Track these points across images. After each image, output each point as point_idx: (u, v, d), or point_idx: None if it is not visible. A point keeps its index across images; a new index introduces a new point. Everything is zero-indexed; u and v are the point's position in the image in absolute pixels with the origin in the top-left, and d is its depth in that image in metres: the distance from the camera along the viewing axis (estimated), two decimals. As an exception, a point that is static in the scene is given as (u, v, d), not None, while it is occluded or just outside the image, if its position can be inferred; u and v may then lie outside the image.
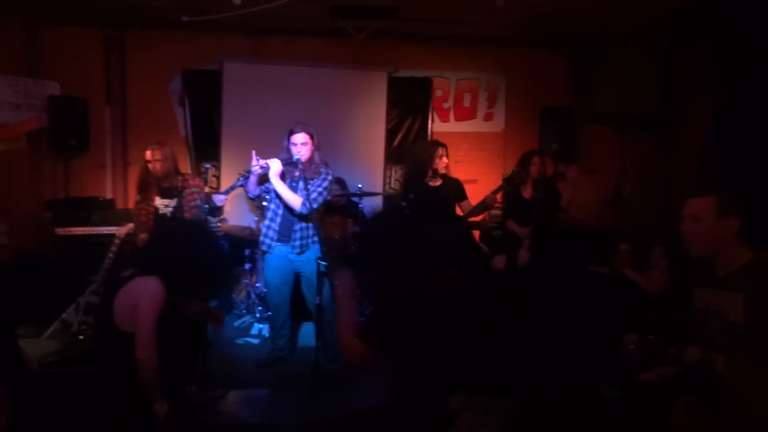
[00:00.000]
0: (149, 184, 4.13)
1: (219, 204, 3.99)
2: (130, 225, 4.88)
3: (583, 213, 5.92)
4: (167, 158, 4.10)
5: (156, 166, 4.08)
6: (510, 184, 4.37)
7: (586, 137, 6.03)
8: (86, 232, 4.89)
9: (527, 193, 4.52)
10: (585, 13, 4.86)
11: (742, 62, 4.43)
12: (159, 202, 4.14)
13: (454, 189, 4.48)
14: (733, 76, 4.57)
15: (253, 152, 3.72)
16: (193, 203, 4.16)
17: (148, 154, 4.09)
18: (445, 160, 4.35)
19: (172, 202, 4.13)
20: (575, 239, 4.30)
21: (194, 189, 4.19)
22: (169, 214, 4.10)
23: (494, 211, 5.15)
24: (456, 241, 2.79)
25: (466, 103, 6.18)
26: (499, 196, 4.62)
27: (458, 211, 4.57)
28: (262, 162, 3.66)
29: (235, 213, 5.51)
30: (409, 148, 4.42)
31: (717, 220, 1.96)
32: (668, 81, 5.39)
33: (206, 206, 4.23)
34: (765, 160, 4.06)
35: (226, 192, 4.05)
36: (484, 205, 4.39)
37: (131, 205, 5.63)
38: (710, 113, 5.00)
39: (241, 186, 3.96)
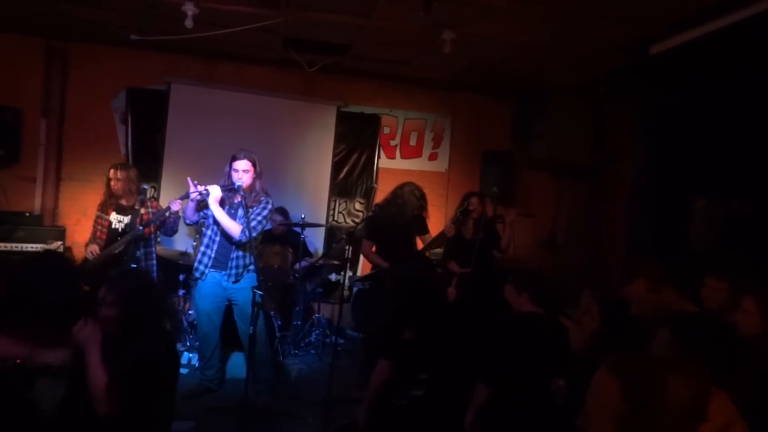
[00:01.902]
0: (109, 200, 4.19)
1: (174, 208, 3.94)
2: (58, 243, 4.68)
3: (520, 255, 6.11)
4: (129, 180, 4.19)
5: (117, 185, 4.15)
6: (465, 216, 4.55)
7: (525, 182, 6.29)
8: (7, 249, 4.62)
9: (468, 233, 4.65)
10: (527, 66, 5.13)
11: (663, 120, 4.79)
12: (113, 217, 4.17)
13: (417, 223, 4.58)
14: (656, 132, 4.93)
15: (189, 179, 3.65)
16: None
17: (111, 172, 4.17)
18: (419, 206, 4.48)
19: (126, 218, 4.15)
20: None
21: (150, 209, 4.22)
22: (120, 230, 4.13)
23: (435, 250, 5.26)
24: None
25: (413, 141, 6.34)
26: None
27: (419, 243, 4.66)
28: (201, 188, 3.60)
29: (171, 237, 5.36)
30: (395, 192, 4.48)
31: (654, 295, 2.02)
32: (601, 133, 5.73)
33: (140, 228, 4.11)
34: (685, 210, 4.37)
35: (182, 198, 3.95)
36: (442, 237, 4.56)
37: (62, 222, 5.39)
38: (638, 165, 5.35)
39: (188, 197, 3.86)
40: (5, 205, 5.19)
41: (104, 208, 4.21)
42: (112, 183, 4.15)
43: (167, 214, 4.01)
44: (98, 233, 4.19)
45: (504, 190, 5.78)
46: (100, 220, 4.21)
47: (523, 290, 2.84)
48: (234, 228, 3.65)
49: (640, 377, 1.02)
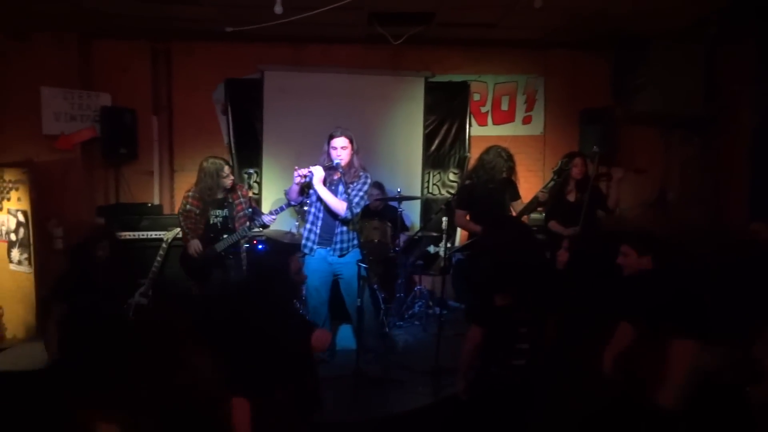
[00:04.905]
0: (207, 197, 4.24)
1: (268, 223, 4.19)
2: (177, 230, 5.07)
3: (626, 215, 5.80)
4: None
5: (230, 180, 4.28)
6: (560, 176, 4.38)
7: (628, 139, 5.91)
8: (136, 237, 5.09)
9: (571, 195, 4.49)
10: (625, 13, 4.77)
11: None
12: (211, 212, 4.30)
13: (509, 188, 4.51)
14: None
15: (295, 169, 3.79)
16: (242, 213, 4.34)
17: (227, 169, 4.25)
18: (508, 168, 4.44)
19: (223, 212, 4.31)
20: (619, 241, 4.26)
21: (242, 199, 4.37)
22: (219, 225, 4.29)
23: (533, 215, 5.12)
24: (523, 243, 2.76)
25: (504, 106, 6.15)
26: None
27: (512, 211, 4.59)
28: (304, 171, 3.73)
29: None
30: (482, 157, 4.46)
31: None
32: (714, 79, 5.25)
33: (249, 210, 4.38)
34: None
35: (276, 212, 4.20)
36: (536, 202, 4.42)
37: (178, 210, 5.83)
38: (759, 111, 4.84)
39: (282, 210, 4.22)
40: (130, 198, 5.70)
41: (203, 205, 4.23)
42: (227, 179, 4.22)
43: (261, 225, 4.23)
44: (192, 225, 4.23)
45: (606, 148, 5.46)
46: (194, 215, 4.24)
47: (647, 253, 2.71)
48: (339, 205, 3.76)
49: None
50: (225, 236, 4.25)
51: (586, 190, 4.36)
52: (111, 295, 3.99)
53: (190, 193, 4.31)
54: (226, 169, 4.27)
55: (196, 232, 4.26)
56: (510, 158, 4.38)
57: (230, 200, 4.30)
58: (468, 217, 4.48)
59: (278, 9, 4.07)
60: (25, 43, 5.30)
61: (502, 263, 2.60)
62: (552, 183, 4.42)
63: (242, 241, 4.34)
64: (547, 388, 2.63)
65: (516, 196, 4.52)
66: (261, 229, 4.53)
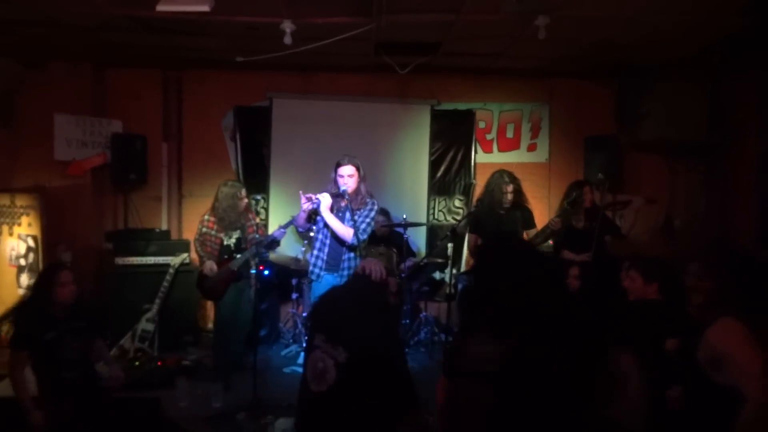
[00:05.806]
0: (221, 220, 4.47)
1: (279, 237, 4.31)
2: (184, 255, 5.11)
3: (633, 242, 5.78)
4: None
5: (245, 202, 4.55)
6: (573, 207, 4.40)
7: (633, 166, 5.94)
8: (143, 262, 5.12)
9: (579, 223, 4.50)
10: (629, 42, 4.85)
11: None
12: (224, 233, 4.50)
13: (522, 217, 4.55)
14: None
15: (300, 192, 3.85)
16: (251, 236, 4.52)
17: (243, 192, 4.55)
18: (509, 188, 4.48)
19: (236, 234, 4.50)
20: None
21: (252, 222, 4.58)
22: (232, 246, 4.47)
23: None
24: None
25: (510, 134, 6.21)
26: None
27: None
28: (313, 198, 3.78)
29: (282, 243, 5.66)
30: (486, 183, 4.55)
31: None
32: (719, 106, 5.28)
33: (257, 236, 4.44)
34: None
35: (285, 226, 4.29)
36: (549, 231, 4.44)
37: (185, 236, 5.88)
38: (765, 138, 4.86)
39: (292, 224, 4.22)
40: (138, 223, 5.75)
41: (218, 228, 4.47)
42: (242, 201, 4.47)
43: (273, 242, 4.39)
44: (208, 249, 4.46)
45: (611, 176, 5.49)
46: (210, 238, 4.48)
47: (654, 280, 2.70)
48: (346, 232, 3.79)
49: None
50: (238, 256, 4.38)
51: (594, 218, 4.38)
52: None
53: (206, 216, 4.52)
54: (243, 191, 4.50)
55: (212, 255, 4.44)
56: (513, 179, 4.44)
57: (242, 222, 4.47)
58: (479, 242, 4.51)
59: (287, 40, 4.16)
60: (40, 71, 5.43)
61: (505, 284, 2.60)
62: (563, 211, 4.44)
63: (252, 263, 4.39)
64: (558, 419, 2.60)
65: (530, 225, 4.54)
66: (267, 250, 4.61)
